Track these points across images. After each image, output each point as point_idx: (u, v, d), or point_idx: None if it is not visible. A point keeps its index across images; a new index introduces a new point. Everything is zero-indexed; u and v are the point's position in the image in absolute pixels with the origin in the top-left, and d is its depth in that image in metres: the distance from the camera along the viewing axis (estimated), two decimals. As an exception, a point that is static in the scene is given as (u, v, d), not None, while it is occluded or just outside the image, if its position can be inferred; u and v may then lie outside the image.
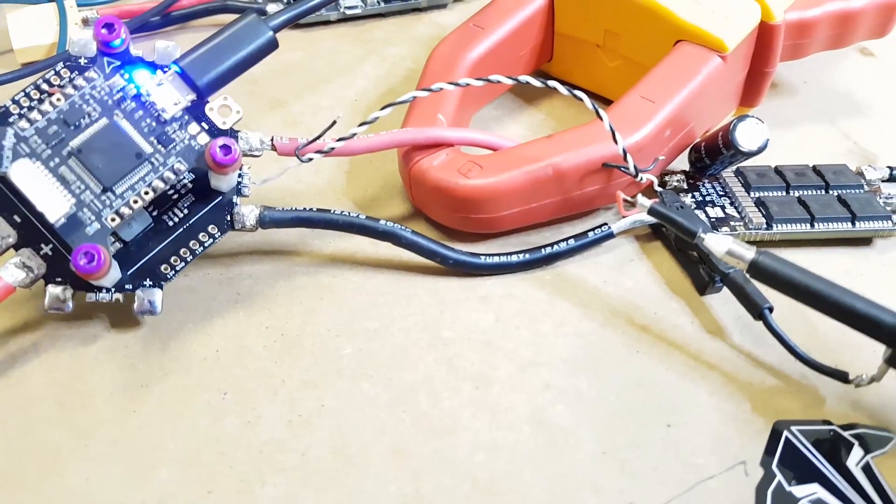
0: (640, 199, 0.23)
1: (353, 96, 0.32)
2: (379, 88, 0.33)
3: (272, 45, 0.22)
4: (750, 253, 0.21)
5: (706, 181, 0.27)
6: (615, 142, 0.23)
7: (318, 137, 0.23)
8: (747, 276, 0.21)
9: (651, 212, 0.22)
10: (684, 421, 0.21)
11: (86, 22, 0.34)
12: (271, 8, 0.35)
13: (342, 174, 0.28)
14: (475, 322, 0.23)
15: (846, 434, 0.21)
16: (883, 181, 0.28)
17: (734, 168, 0.27)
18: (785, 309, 0.23)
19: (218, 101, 0.22)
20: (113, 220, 0.20)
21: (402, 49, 0.35)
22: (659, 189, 0.26)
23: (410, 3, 0.36)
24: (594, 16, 0.29)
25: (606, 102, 0.31)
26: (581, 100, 0.23)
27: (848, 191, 0.27)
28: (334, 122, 0.23)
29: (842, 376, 0.22)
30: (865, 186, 0.27)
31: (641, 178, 0.24)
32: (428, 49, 0.35)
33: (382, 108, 0.23)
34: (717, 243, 0.21)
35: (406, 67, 0.34)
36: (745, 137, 0.24)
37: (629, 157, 0.23)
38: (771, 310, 0.22)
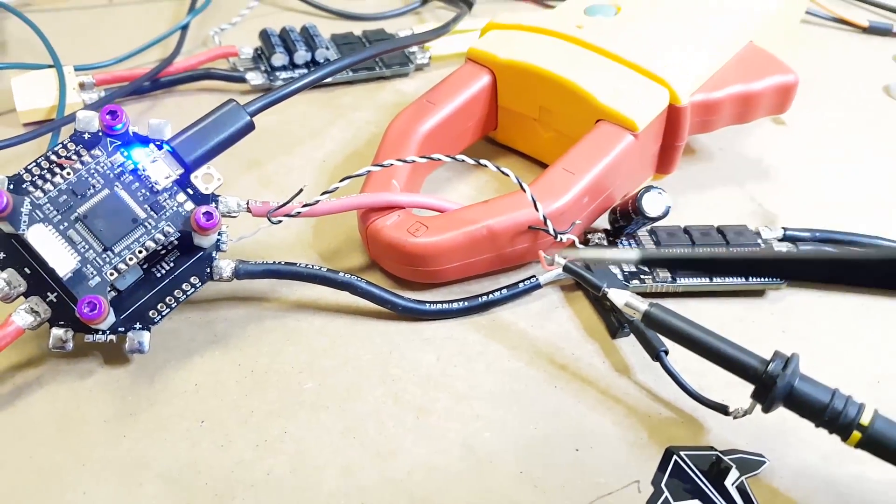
0: (557, 258, 0.27)
1: (322, 157, 0.36)
2: (345, 150, 0.37)
3: (249, 128, 0.26)
4: (643, 305, 0.25)
5: (624, 239, 0.31)
6: (536, 209, 0.27)
7: (287, 203, 0.27)
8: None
9: (566, 269, 0.27)
10: (591, 446, 0.25)
11: (82, 86, 0.38)
12: (250, 76, 0.39)
13: (309, 228, 0.32)
14: (419, 360, 0.27)
15: (726, 458, 0.25)
16: (777, 240, 0.32)
17: (647, 228, 0.31)
18: (682, 352, 0.27)
19: (202, 169, 0.26)
20: (112, 274, 0.24)
21: (367, 114, 0.39)
22: (581, 246, 0.30)
23: (375, 72, 0.41)
24: (531, 94, 0.33)
25: (543, 165, 0.36)
26: (507, 175, 0.27)
27: (745, 249, 0.31)
28: (301, 191, 0.27)
29: (723, 409, 0.26)
30: (761, 245, 0.31)
31: (561, 239, 0.28)
32: (390, 114, 0.39)
33: (342, 180, 0.27)
34: (618, 297, 0.25)
35: (370, 131, 0.38)
36: (650, 205, 0.29)
37: (549, 222, 0.28)
38: (666, 353, 0.27)
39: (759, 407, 0.25)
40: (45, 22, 0.41)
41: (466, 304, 0.29)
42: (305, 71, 0.40)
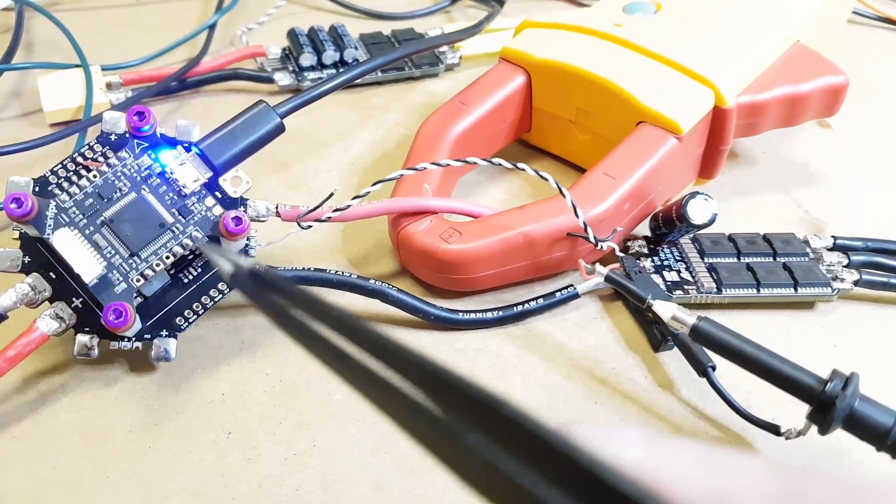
0: (598, 267, 0.26)
1: (350, 159, 0.35)
2: (374, 153, 0.36)
3: (279, 130, 0.25)
4: (691, 319, 0.24)
5: (665, 247, 0.30)
6: (576, 216, 0.26)
7: (317, 207, 0.26)
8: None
9: (607, 279, 0.25)
10: (633, 465, 0.24)
11: (109, 86, 0.37)
12: (278, 77, 0.39)
13: (338, 233, 0.31)
14: (453, 372, 0.26)
15: (777, 480, 0.24)
16: (827, 250, 0.30)
17: (691, 235, 0.30)
18: (730, 366, 0.26)
19: (231, 172, 0.25)
20: (138, 280, 0.23)
21: (396, 115, 0.38)
22: (621, 254, 0.29)
23: (405, 73, 0.40)
24: (567, 95, 0.32)
25: (578, 168, 0.35)
26: (547, 179, 0.26)
27: (793, 258, 0.30)
28: (332, 194, 0.26)
29: (774, 429, 0.24)
30: (810, 254, 0.30)
31: (601, 247, 0.27)
32: (420, 115, 0.38)
33: (374, 184, 0.26)
34: (664, 309, 0.24)
35: (399, 133, 0.37)
36: (696, 212, 0.28)
37: (589, 229, 0.26)
38: (714, 368, 0.25)
39: (813, 428, 0.23)
40: (71, 21, 0.41)
41: (501, 313, 0.28)
42: (334, 71, 0.40)
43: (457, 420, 0.09)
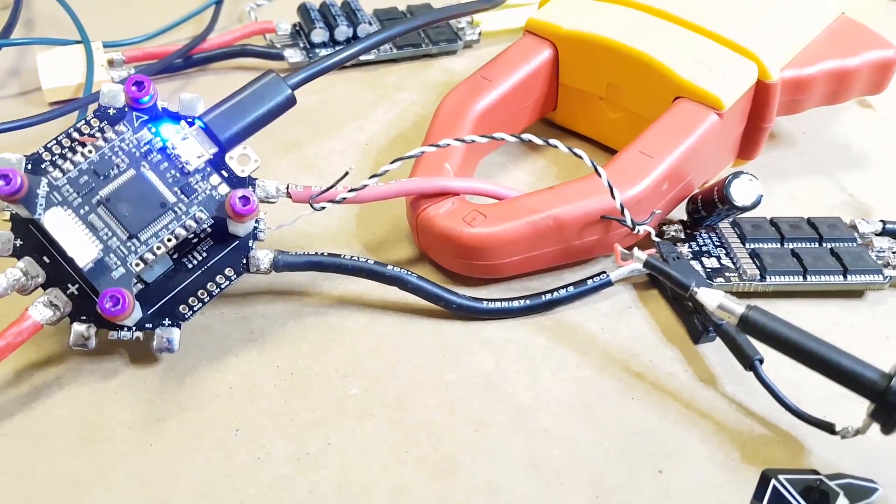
0: (636, 252, 0.24)
1: (365, 140, 0.33)
2: (389, 133, 0.34)
3: (290, 102, 0.23)
4: (740, 308, 0.22)
5: (703, 231, 0.28)
6: (613, 197, 0.24)
7: (331, 187, 0.24)
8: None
9: (646, 265, 0.23)
10: (675, 467, 0.22)
11: (111, 63, 0.35)
12: (288, 54, 0.37)
13: (352, 217, 0.29)
14: (476, 365, 0.24)
15: (832, 483, 0.22)
16: (876, 235, 0.28)
17: (731, 219, 0.28)
18: (776, 359, 0.24)
19: (238, 150, 0.24)
20: (137, 265, 0.21)
21: (412, 94, 0.36)
22: (657, 239, 0.27)
23: (421, 49, 0.38)
24: (597, 70, 0.30)
25: (607, 150, 0.33)
26: (581, 157, 0.24)
27: (841, 244, 0.28)
28: (346, 174, 0.24)
29: (829, 427, 0.22)
30: (858, 240, 0.28)
31: (638, 231, 0.25)
32: (437, 94, 0.36)
33: (392, 162, 0.24)
34: (709, 297, 0.22)
35: (416, 112, 0.35)
36: (740, 193, 0.26)
37: (626, 211, 0.24)
38: (761, 361, 0.23)
39: (873, 427, 0.21)
40: (73, -4, 0.39)
41: (528, 302, 0.26)
42: (347, 47, 0.38)
43: None
